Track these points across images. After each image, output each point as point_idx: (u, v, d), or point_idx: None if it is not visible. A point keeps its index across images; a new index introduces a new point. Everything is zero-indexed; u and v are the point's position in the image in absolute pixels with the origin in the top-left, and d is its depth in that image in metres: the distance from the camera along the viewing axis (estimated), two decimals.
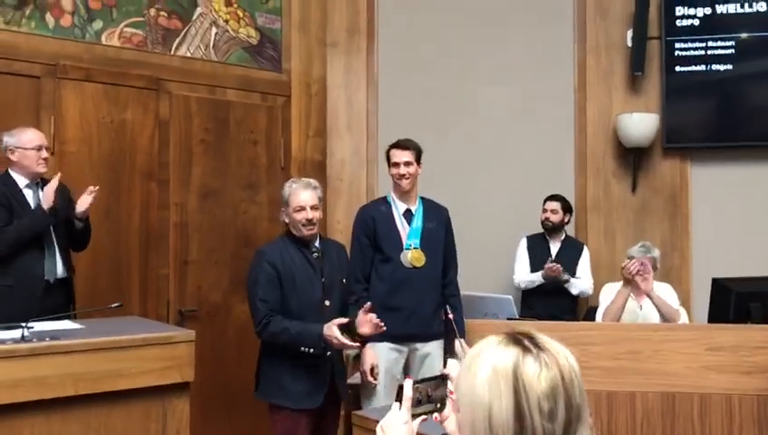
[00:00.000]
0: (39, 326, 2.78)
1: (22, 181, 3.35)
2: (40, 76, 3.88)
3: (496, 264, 4.63)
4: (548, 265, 4.31)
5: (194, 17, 4.45)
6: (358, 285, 3.24)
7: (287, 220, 3.04)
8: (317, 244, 3.09)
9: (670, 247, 4.45)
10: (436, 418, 1.48)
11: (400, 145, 3.37)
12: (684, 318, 3.88)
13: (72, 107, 3.95)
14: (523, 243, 4.59)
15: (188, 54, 4.42)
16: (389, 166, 3.41)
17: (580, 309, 4.58)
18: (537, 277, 4.40)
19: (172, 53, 4.36)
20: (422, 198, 3.47)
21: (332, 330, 2.80)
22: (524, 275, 4.48)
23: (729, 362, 3.33)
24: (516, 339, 1.18)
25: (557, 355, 1.16)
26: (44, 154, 3.38)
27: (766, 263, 4.20)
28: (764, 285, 3.55)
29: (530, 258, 4.53)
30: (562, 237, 4.55)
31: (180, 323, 4.11)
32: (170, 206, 4.29)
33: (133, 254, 4.14)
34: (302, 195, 3.00)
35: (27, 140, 3.34)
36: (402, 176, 3.33)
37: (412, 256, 3.29)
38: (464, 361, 1.24)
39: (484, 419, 1.13)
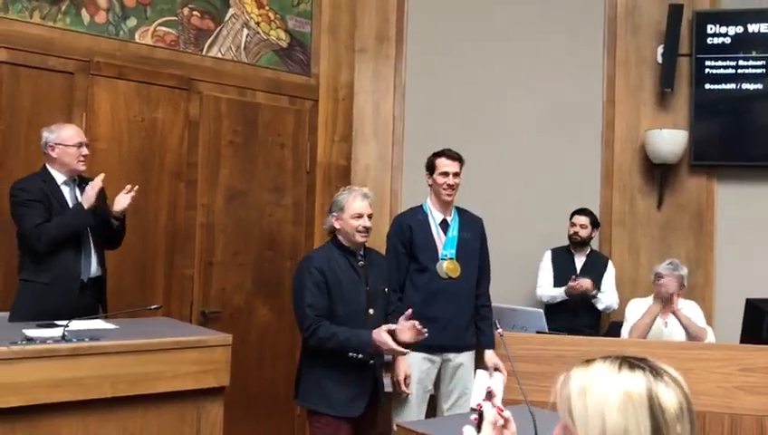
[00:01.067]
0: (76, 325, 2.76)
1: (60, 178, 3.33)
2: (74, 72, 3.87)
3: (520, 276, 4.61)
4: (572, 282, 4.28)
5: (226, 18, 4.44)
6: (393, 295, 3.23)
7: (338, 226, 3.03)
8: (362, 252, 3.08)
9: (695, 265, 4.44)
10: None
11: (452, 155, 3.37)
12: (711, 337, 3.87)
13: (104, 104, 3.94)
14: (548, 256, 4.56)
15: (219, 55, 4.41)
16: (433, 174, 3.39)
17: (602, 325, 4.56)
18: (560, 293, 4.38)
19: (204, 53, 4.35)
20: (458, 209, 3.46)
21: (383, 335, 2.80)
22: (547, 290, 4.46)
23: (762, 384, 3.33)
24: (635, 363, 1.20)
25: (678, 378, 1.19)
26: (85, 151, 3.35)
27: None
28: None
29: (554, 272, 4.51)
30: (587, 251, 4.53)
31: (203, 325, 4.09)
32: (197, 206, 4.28)
33: (159, 253, 4.12)
34: (361, 202, 3.02)
35: (68, 137, 3.32)
36: (450, 186, 3.33)
37: (448, 266, 3.28)
38: (568, 387, 1.22)
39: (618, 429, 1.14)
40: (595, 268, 4.45)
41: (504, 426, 1.49)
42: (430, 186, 3.43)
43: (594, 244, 4.65)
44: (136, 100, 4.05)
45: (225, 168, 4.39)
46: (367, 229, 3.02)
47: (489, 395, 1.47)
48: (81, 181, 3.40)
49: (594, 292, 4.33)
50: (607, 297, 4.39)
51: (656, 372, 1.18)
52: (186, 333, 3.01)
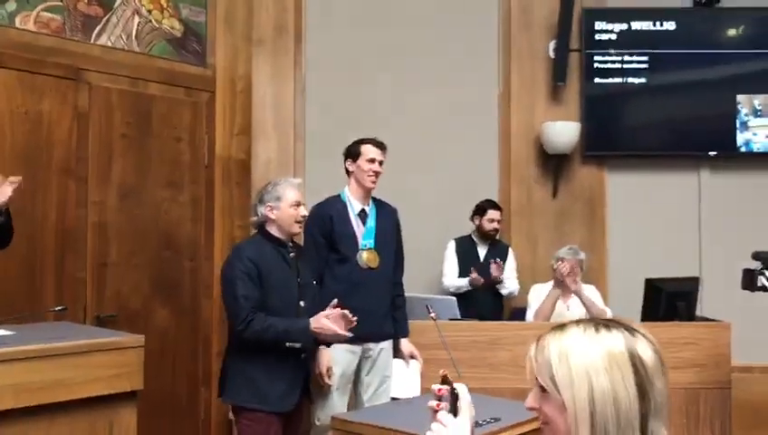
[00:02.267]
0: None
1: None
2: None
3: (423, 266, 4.64)
4: (472, 276, 4.38)
5: (115, 5, 4.19)
6: None
7: (273, 217, 2.94)
8: (291, 244, 3.01)
9: (589, 251, 4.61)
10: None
11: (379, 143, 3.37)
12: (609, 317, 4.05)
13: None
14: (451, 246, 4.64)
15: (109, 44, 4.15)
16: (356, 160, 3.34)
17: (505, 311, 4.68)
18: (464, 283, 4.46)
19: (92, 41, 4.08)
20: (374, 199, 3.44)
21: (322, 321, 2.73)
22: (453, 280, 4.53)
23: (663, 358, 3.51)
24: (610, 324, 1.23)
25: (649, 335, 1.23)
26: None
27: (674, 264, 4.47)
28: (691, 285, 3.77)
29: (459, 261, 4.59)
30: (489, 241, 4.64)
31: None
32: (89, 204, 4.01)
33: (48, 255, 3.83)
34: (298, 191, 2.98)
35: None
36: (376, 173, 3.31)
37: (367, 256, 3.25)
38: (546, 353, 1.21)
39: (610, 405, 1.15)
40: (497, 256, 4.57)
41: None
42: (351, 172, 3.38)
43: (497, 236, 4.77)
44: (18, 90, 3.74)
45: (118, 163, 4.14)
46: (304, 218, 2.99)
47: (444, 378, 1.39)
48: None
49: (501, 277, 4.44)
50: (510, 283, 4.52)
51: (630, 330, 1.22)
52: (91, 335, 2.80)
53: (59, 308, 2.70)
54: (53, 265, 3.84)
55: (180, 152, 4.44)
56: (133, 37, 4.27)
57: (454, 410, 1.31)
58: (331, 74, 4.87)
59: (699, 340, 3.51)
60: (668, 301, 3.59)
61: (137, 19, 4.29)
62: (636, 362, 1.17)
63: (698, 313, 4.00)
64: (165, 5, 4.43)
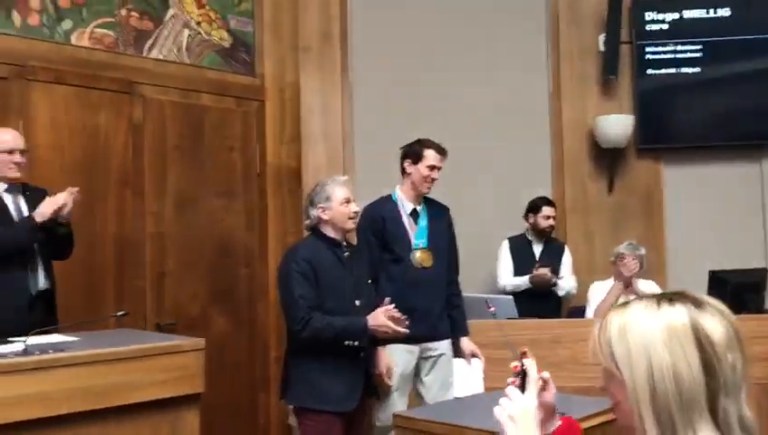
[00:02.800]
0: (34, 340, 2.57)
1: (0, 186, 3.10)
2: (7, 77, 3.64)
3: (477, 265, 4.59)
4: (537, 270, 4.30)
5: (166, 19, 4.28)
6: None
7: (326, 218, 2.95)
8: (344, 243, 3.02)
9: (647, 245, 4.47)
10: None
11: (442, 150, 3.38)
12: None
13: (41, 110, 3.73)
14: (505, 245, 4.57)
15: (161, 57, 4.24)
16: (417, 163, 3.33)
17: (563, 310, 4.59)
18: (524, 282, 4.38)
19: (144, 55, 4.17)
20: (425, 198, 3.42)
21: (380, 319, 2.72)
22: (510, 279, 4.46)
23: None
24: (674, 297, 1.16)
25: (720, 308, 1.16)
26: (17, 158, 3.11)
27: (735, 258, 4.32)
28: (758, 276, 3.64)
29: (513, 261, 4.52)
30: (544, 239, 4.56)
31: None
32: (146, 215, 4.09)
33: (108, 265, 3.92)
34: (346, 188, 2.99)
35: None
36: (434, 180, 3.30)
37: (420, 256, 3.23)
38: (607, 332, 1.17)
39: (670, 380, 1.10)
40: (553, 255, 4.49)
41: (543, 388, 1.43)
42: (408, 174, 3.36)
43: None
44: (76, 105, 3.85)
45: (173, 173, 4.21)
46: (356, 214, 2.99)
47: (523, 355, 1.41)
48: (26, 190, 3.18)
49: (554, 280, 4.36)
50: (566, 283, 4.43)
51: (697, 303, 1.15)
52: (151, 340, 2.85)
53: (121, 313, 2.75)
54: (113, 274, 3.93)
55: (233, 161, 4.50)
56: (184, 49, 4.35)
57: (522, 387, 1.33)
58: (377, 78, 4.87)
59: None
60: (734, 293, 3.47)
61: (187, 32, 4.37)
62: (700, 335, 1.11)
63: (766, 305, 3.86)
64: (213, 17, 4.50)
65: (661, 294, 1.20)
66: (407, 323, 2.79)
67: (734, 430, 1.09)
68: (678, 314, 1.13)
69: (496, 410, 1.32)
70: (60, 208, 3.01)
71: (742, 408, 1.12)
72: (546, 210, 4.46)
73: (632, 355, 1.13)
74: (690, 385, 1.09)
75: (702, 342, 1.10)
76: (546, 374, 1.43)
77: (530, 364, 1.36)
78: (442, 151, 3.37)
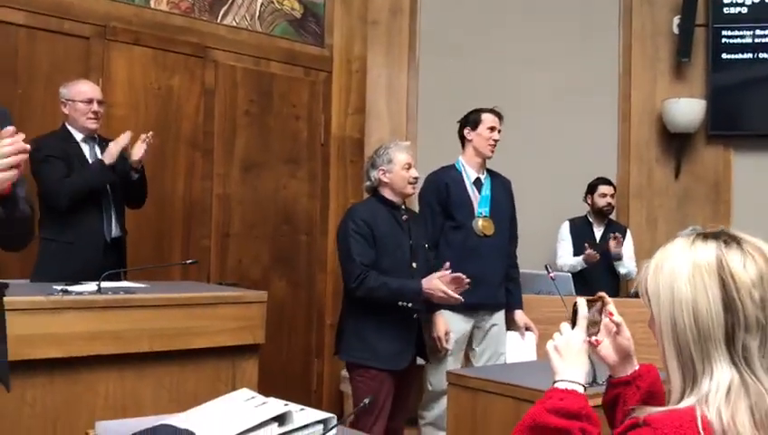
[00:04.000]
0: (107, 283, 2.69)
1: (78, 136, 3.25)
2: (89, 37, 3.79)
3: (537, 245, 4.57)
4: (588, 251, 4.27)
5: None
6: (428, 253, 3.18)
7: (386, 180, 3.00)
8: (403, 207, 3.06)
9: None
10: (596, 341, 1.44)
11: (498, 113, 3.40)
12: None
13: (120, 70, 3.87)
14: (565, 226, 4.55)
15: (234, 24, 4.34)
16: (476, 129, 3.37)
17: (621, 293, 4.54)
18: (578, 262, 4.36)
19: (218, 21, 4.28)
20: (488, 169, 3.43)
21: (434, 282, 2.76)
22: (568, 260, 4.44)
23: None
24: (711, 236, 1.17)
25: (759, 246, 1.14)
26: (95, 107, 3.24)
27: None
28: None
29: (574, 242, 4.49)
30: (606, 221, 4.52)
31: None
32: (214, 176, 4.21)
33: (176, 223, 4.05)
34: (408, 154, 3.03)
35: (77, 92, 3.23)
36: (496, 141, 3.32)
37: (483, 224, 3.25)
38: (647, 269, 1.20)
39: (689, 314, 1.12)
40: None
41: (618, 332, 1.45)
42: (468, 141, 3.39)
43: (612, 214, 4.64)
44: (152, 67, 3.98)
45: (241, 138, 4.32)
46: (416, 179, 3.02)
47: (603, 302, 1.46)
48: (101, 141, 3.32)
49: (621, 253, 4.31)
50: (628, 263, 4.39)
51: (730, 241, 1.15)
52: (215, 291, 2.95)
53: (191, 261, 2.86)
54: (181, 232, 4.06)
55: (299, 130, 4.58)
56: (256, 18, 4.44)
57: (573, 323, 1.38)
58: (444, 55, 4.87)
59: None
60: None
61: (259, 0, 4.45)
62: (723, 272, 1.11)
63: None
64: None
65: (700, 232, 1.21)
66: (468, 286, 2.81)
67: (757, 368, 1.09)
68: (706, 251, 1.14)
69: (548, 343, 1.38)
70: (126, 148, 3.13)
71: (766, 351, 1.11)
72: (603, 189, 4.42)
73: (660, 291, 1.16)
74: (706, 318, 1.11)
75: (724, 278, 1.11)
76: (618, 318, 1.46)
77: (581, 303, 1.39)
78: (498, 114, 3.40)
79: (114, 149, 3.16)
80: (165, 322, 2.57)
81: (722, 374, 1.10)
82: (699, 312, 1.11)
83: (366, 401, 1.60)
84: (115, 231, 3.27)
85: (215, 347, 2.68)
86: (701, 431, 1.07)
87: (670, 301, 1.14)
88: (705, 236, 1.18)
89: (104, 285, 2.62)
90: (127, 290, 2.62)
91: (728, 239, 1.16)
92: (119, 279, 2.97)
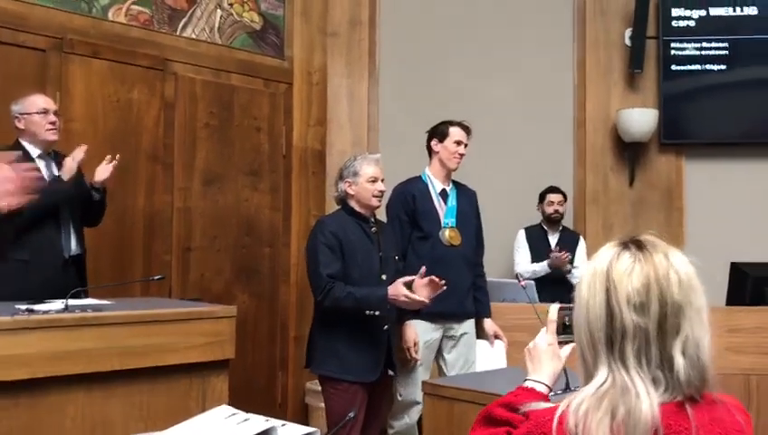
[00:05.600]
0: (72, 301, 2.63)
1: (34, 151, 3.16)
2: (46, 49, 3.71)
3: (496, 252, 4.64)
4: (555, 254, 4.35)
5: None
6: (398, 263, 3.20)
7: (352, 192, 3.01)
8: (372, 219, 3.08)
9: (666, 240, 4.55)
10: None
11: (466, 127, 3.45)
12: None
13: (78, 83, 3.80)
14: (522, 234, 4.64)
15: (194, 36, 4.31)
16: (443, 142, 3.41)
17: None
18: (542, 268, 4.44)
19: (178, 33, 4.24)
20: (453, 181, 3.48)
21: (399, 288, 2.78)
22: (528, 266, 4.52)
23: (748, 343, 3.44)
24: (624, 242, 1.23)
25: (655, 254, 1.20)
26: (52, 118, 3.16)
27: (756, 253, 4.34)
28: None
29: (530, 249, 4.58)
30: (560, 228, 4.62)
31: None
32: (174, 190, 4.16)
33: (136, 238, 3.99)
34: (375, 167, 3.05)
35: (31, 104, 3.15)
36: (462, 155, 3.37)
37: (449, 234, 3.29)
38: None
39: (584, 316, 1.20)
40: (568, 244, 4.54)
41: None
42: (435, 153, 3.43)
43: (568, 222, 4.74)
44: (111, 80, 3.92)
45: (202, 150, 4.28)
46: (381, 193, 3.04)
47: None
48: (57, 157, 3.25)
49: (569, 267, 4.41)
50: (580, 271, 4.48)
51: (636, 247, 1.21)
52: (184, 307, 2.92)
53: (158, 277, 2.83)
54: (141, 247, 4.00)
55: (260, 142, 4.56)
56: (216, 30, 4.42)
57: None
58: (404, 65, 4.93)
59: None
60: (755, 286, 3.51)
61: (219, 12, 4.43)
62: (608, 279, 1.18)
63: None
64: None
65: (628, 237, 1.26)
66: (444, 287, 2.84)
67: (632, 371, 1.14)
68: (605, 258, 1.21)
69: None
70: (81, 163, 3.09)
71: (640, 358, 1.15)
72: (550, 197, 4.54)
73: (575, 294, 1.24)
74: (595, 324, 1.18)
75: (609, 287, 1.17)
76: None
77: (552, 308, 1.45)
78: (466, 129, 3.45)
79: (71, 164, 3.09)
80: (135, 339, 2.53)
81: (600, 376, 1.17)
82: (590, 316, 1.19)
83: (350, 415, 1.61)
84: (74, 248, 3.20)
85: (185, 364, 2.65)
86: (554, 428, 1.14)
87: (576, 305, 1.22)
88: (623, 242, 1.24)
89: (71, 302, 2.57)
90: (94, 308, 2.57)
91: (633, 246, 1.22)
92: (80, 297, 2.91)
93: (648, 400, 1.11)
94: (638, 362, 1.15)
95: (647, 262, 1.18)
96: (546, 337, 1.46)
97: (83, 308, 2.52)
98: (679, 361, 1.14)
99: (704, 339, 1.17)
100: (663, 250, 1.21)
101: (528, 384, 1.42)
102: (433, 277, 2.82)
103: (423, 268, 2.84)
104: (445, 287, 2.84)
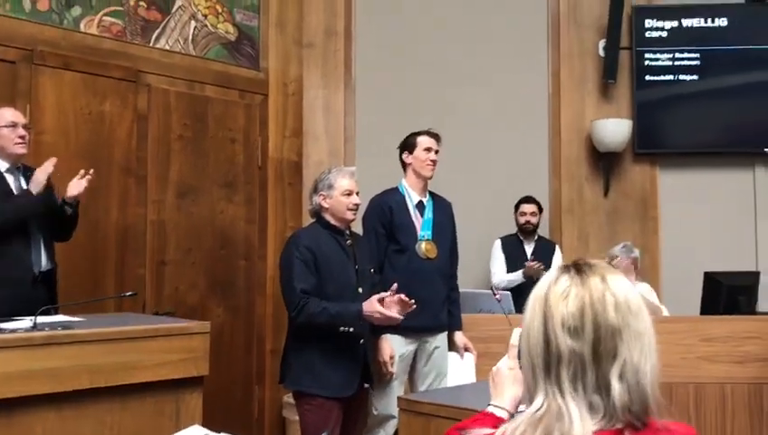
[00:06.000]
0: (42, 318, 2.59)
1: (2, 165, 3.10)
2: (15, 61, 3.66)
3: (472, 262, 4.65)
4: (528, 263, 4.36)
5: (173, 10, 4.31)
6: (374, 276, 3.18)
7: (326, 205, 2.98)
8: (348, 232, 3.05)
9: (641, 249, 4.57)
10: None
11: (434, 134, 3.43)
12: (666, 314, 4.01)
13: (49, 95, 3.74)
14: (498, 244, 4.64)
15: (167, 47, 4.27)
16: (413, 152, 3.40)
17: None
18: (517, 277, 4.45)
19: (151, 45, 4.20)
20: (430, 192, 3.47)
21: (374, 305, 2.75)
22: (504, 276, 4.52)
23: (722, 353, 3.46)
24: (566, 265, 1.23)
25: (592, 277, 1.18)
26: (21, 132, 3.09)
27: (729, 261, 4.39)
28: (751, 279, 3.71)
29: (506, 259, 4.59)
30: (536, 238, 4.64)
31: None
32: (148, 203, 4.11)
33: (109, 251, 3.93)
34: (350, 180, 3.02)
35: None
36: (434, 162, 3.36)
37: (426, 247, 3.28)
38: None
39: (525, 342, 1.19)
40: (544, 254, 4.54)
41: None
42: (407, 165, 3.42)
43: (544, 232, 4.76)
44: (82, 91, 3.87)
45: (176, 162, 4.24)
46: (356, 206, 3.01)
47: None
48: (26, 170, 3.19)
49: (545, 274, 4.41)
50: None
51: (576, 271, 1.19)
52: (157, 323, 2.88)
53: (130, 293, 2.77)
54: (114, 261, 3.94)
55: (235, 153, 4.53)
56: (190, 41, 4.39)
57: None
58: (380, 75, 4.93)
59: (763, 334, 3.44)
60: (729, 295, 3.54)
61: (193, 23, 4.40)
62: (546, 307, 1.17)
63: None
64: (220, 10, 4.54)
65: (573, 261, 1.25)
66: (413, 306, 2.82)
67: (567, 397, 1.13)
68: (545, 281, 1.21)
69: None
70: (50, 176, 3.02)
71: (575, 384, 1.14)
72: (522, 207, 4.56)
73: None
74: (535, 349, 1.17)
75: (545, 311, 1.17)
76: None
77: (514, 333, 1.46)
78: (434, 136, 3.44)
79: (41, 177, 3.03)
80: (105, 356, 2.49)
81: (537, 401, 1.16)
82: (530, 342, 1.18)
83: (324, 434, 1.59)
84: (45, 264, 3.14)
85: (157, 381, 2.61)
86: None
87: (523, 324, 1.22)
88: (565, 267, 1.22)
89: (40, 320, 2.52)
90: (64, 325, 2.53)
91: (573, 269, 1.20)
92: (50, 314, 2.86)
93: (581, 426, 1.10)
94: (573, 387, 1.13)
95: (583, 285, 1.16)
96: (508, 362, 1.43)
97: (52, 326, 2.47)
98: (616, 386, 1.12)
99: (645, 364, 1.14)
100: (601, 273, 1.19)
101: (489, 409, 1.41)
102: (402, 296, 2.80)
103: (395, 285, 2.82)
104: (414, 307, 2.83)
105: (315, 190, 3.02)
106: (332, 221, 3.01)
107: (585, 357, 1.13)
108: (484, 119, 4.88)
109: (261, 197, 4.64)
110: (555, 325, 1.14)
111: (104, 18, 4.01)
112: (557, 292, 1.17)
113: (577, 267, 1.20)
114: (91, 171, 3.16)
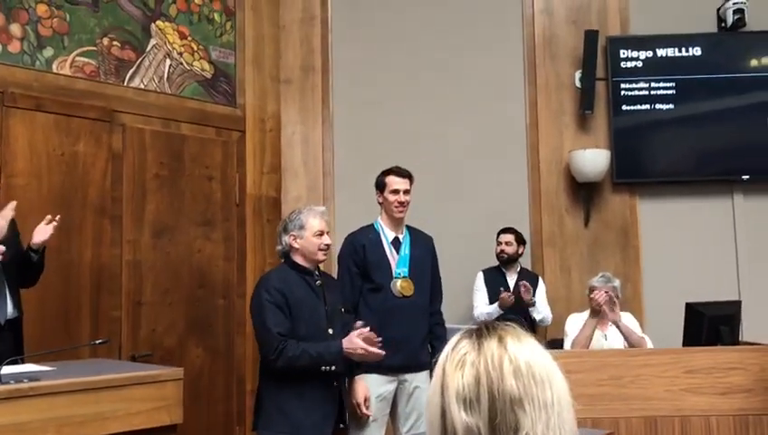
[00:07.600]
0: (7, 369, 2.51)
1: None
2: None
3: (454, 297, 4.60)
4: (502, 294, 4.33)
5: (147, 48, 4.29)
6: (347, 316, 3.13)
7: (297, 246, 2.94)
8: (317, 272, 3.00)
9: (623, 278, 4.55)
10: None
11: (401, 173, 3.39)
12: (649, 345, 3.97)
13: (20, 137, 3.69)
14: (480, 276, 4.61)
15: (142, 86, 4.24)
16: (383, 192, 3.36)
17: (539, 341, 4.60)
18: (494, 309, 4.41)
19: (125, 84, 4.17)
20: (408, 227, 3.44)
21: (355, 341, 2.71)
22: (484, 309, 4.49)
23: (706, 384, 3.43)
24: (471, 329, 1.12)
25: (488, 341, 1.07)
26: None
27: (712, 289, 4.37)
28: (733, 309, 3.69)
29: (488, 291, 4.55)
30: (518, 269, 4.60)
31: None
32: (123, 243, 4.05)
33: (84, 294, 3.86)
34: (321, 220, 2.98)
35: None
36: (402, 203, 3.32)
37: (401, 285, 3.24)
38: None
39: (426, 417, 1.10)
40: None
41: None
42: (381, 204, 3.39)
43: (526, 263, 4.72)
44: (55, 133, 3.82)
45: (152, 202, 4.19)
46: (328, 246, 2.98)
47: None
48: None
49: (533, 300, 4.38)
50: (542, 309, 4.47)
51: (476, 336, 1.09)
52: (128, 370, 2.80)
53: (101, 341, 2.70)
54: (89, 303, 3.87)
55: (212, 191, 4.49)
56: (165, 79, 4.36)
57: None
58: (358, 110, 4.92)
59: (747, 364, 3.41)
60: (711, 325, 3.51)
61: (168, 62, 4.38)
62: (442, 378, 1.07)
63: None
64: (195, 48, 4.53)
65: (479, 326, 1.14)
66: (380, 344, 2.78)
67: None
68: (446, 348, 1.11)
69: None
70: (10, 223, 2.96)
71: None
72: (501, 237, 4.55)
73: None
74: (432, 425, 1.07)
75: (443, 383, 1.07)
76: None
77: None
78: (402, 174, 3.40)
79: (1, 223, 2.97)
80: (74, 408, 2.42)
81: None
82: (430, 417, 1.08)
83: None
84: (10, 312, 3.06)
85: (129, 431, 2.53)
86: None
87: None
88: (468, 332, 1.11)
89: (5, 371, 2.44)
90: (31, 377, 2.45)
91: (475, 333, 1.09)
92: (17, 364, 2.78)
93: None
94: None
95: (479, 351, 1.05)
96: None
97: (18, 378, 2.40)
98: None
99: None
100: (499, 334, 1.07)
101: None
102: (368, 334, 2.75)
103: (359, 323, 2.79)
104: (380, 343, 2.78)
105: (285, 231, 2.98)
106: (302, 262, 2.97)
107: (482, 433, 1.01)
108: (464, 152, 4.87)
109: (239, 234, 4.60)
110: (450, 398, 1.04)
111: (77, 58, 3.98)
112: (454, 360, 1.06)
113: (479, 331, 1.09)
114: (57, 217, 3.09)
